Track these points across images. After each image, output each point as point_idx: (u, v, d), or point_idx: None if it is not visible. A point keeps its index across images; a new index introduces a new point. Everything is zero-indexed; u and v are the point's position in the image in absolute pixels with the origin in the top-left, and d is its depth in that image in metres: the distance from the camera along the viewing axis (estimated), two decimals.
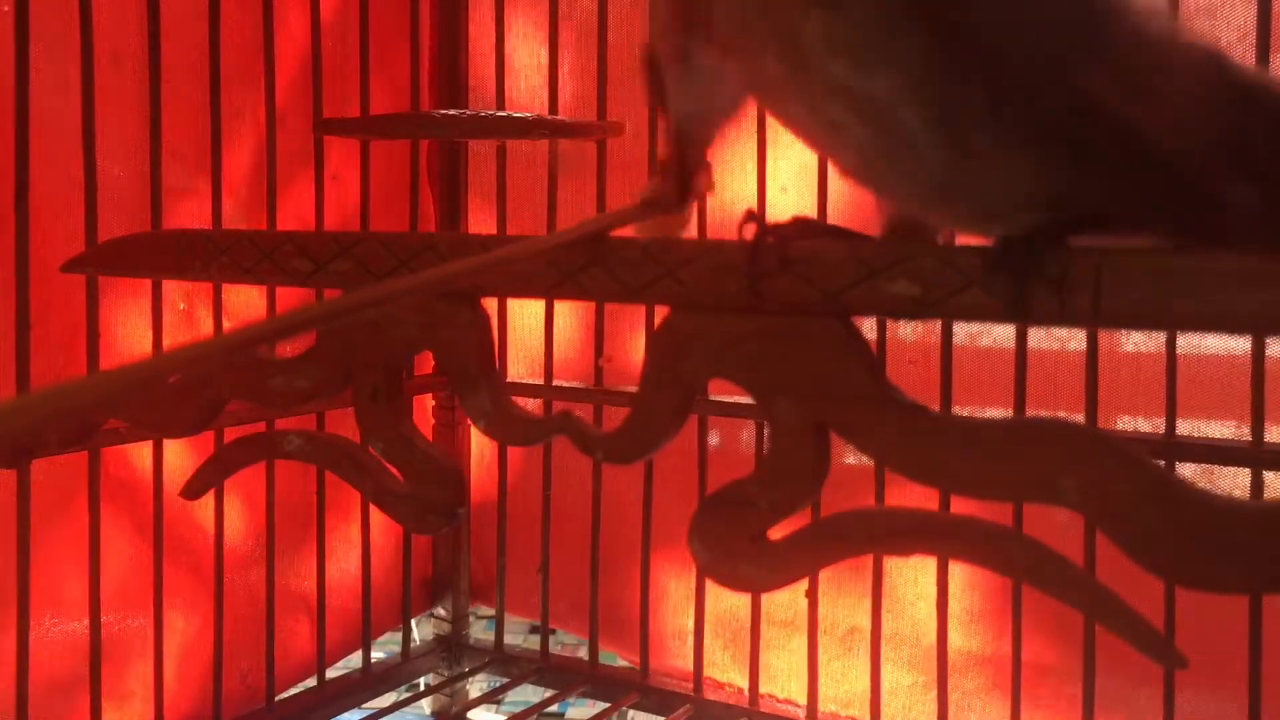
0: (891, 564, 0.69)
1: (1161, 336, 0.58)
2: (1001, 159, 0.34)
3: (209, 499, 0.62)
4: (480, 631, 0.87)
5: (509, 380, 0.77)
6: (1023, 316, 0.33)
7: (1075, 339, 0.65)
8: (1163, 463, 0.55)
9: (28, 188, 0.54)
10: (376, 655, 0.77)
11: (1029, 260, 0.32)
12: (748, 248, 0.36)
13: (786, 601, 0.76)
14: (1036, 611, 0.60)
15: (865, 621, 0.67)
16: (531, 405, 0.73)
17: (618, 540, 0.76)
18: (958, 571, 0.68)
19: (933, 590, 0.62)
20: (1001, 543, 0.34)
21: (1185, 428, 0.57)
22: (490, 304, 0.46)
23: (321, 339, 0.44)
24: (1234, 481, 0.60)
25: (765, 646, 0.73)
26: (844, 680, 0.75)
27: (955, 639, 0.71)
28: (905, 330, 0.72)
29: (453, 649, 0.83)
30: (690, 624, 0.72)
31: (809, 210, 0.65)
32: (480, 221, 0.83)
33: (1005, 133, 0.33)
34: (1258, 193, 0.36)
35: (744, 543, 0.37)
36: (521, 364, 0.83)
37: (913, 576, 0.72)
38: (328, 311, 0.32)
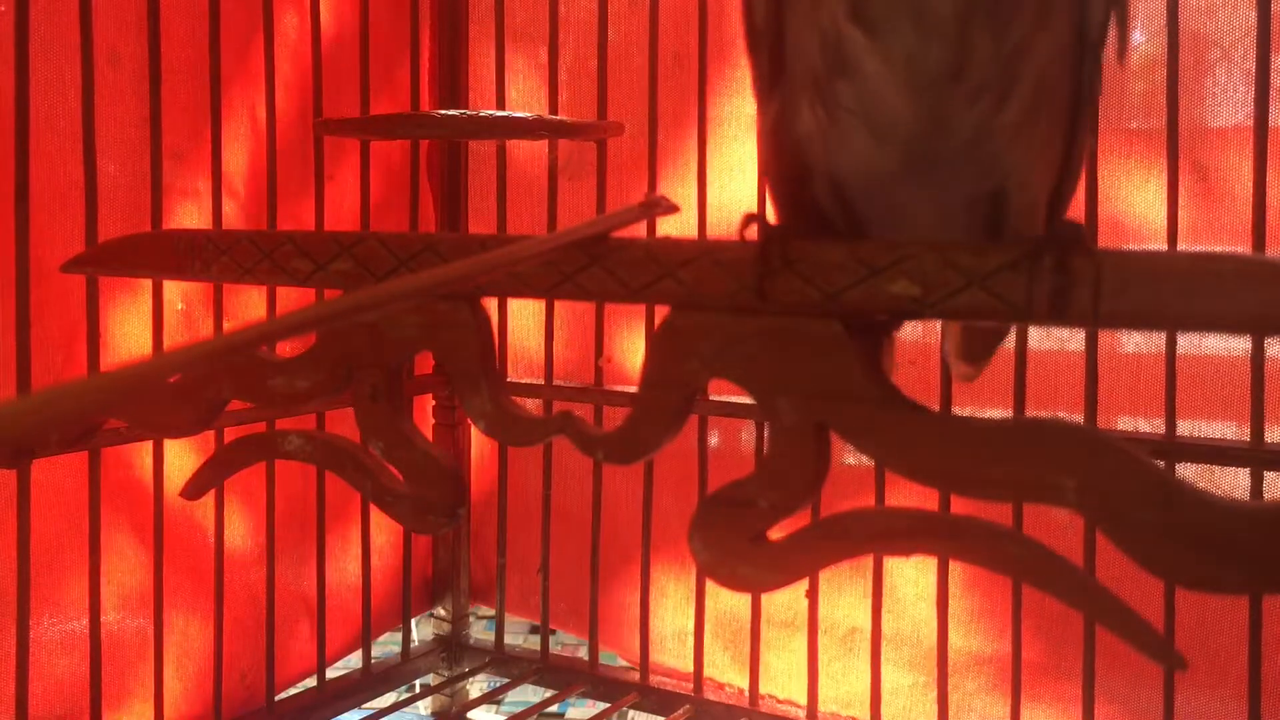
0: (892, 564, 0.69)
1: (1161, 336, 0.58)
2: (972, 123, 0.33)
3: (209, 499, 0.62)
4: (480, 631, 0.87)
5: (509, 380, 0.77)
6: (1028, 319, 0.32)
7: (1075, 339, 0.65)
8: (1163, 463, 0.55)
9: (28, 188, 0.54)
10: (376, 655, 0.77)
11: (1059, 267, 0.32)
12: (755, 248, 0.36)
13: (787, 602, 0.76)
14: (1037, 611, 0.60)
15: (866, 622, 0.67)
16: (531, 405, 0.73)
17: (618, 540, 0.76)
18: (958, 571, 0.68)
19: (933, 590, 0.62)
20: (1001, 543, 0.34)
21: (1185, 428, 0.57)
22: (490, 304, 0.46)
23: (321, 339, 0.44)
24: (1234, 481, 0.60)
25: (765, 647, 0.73)
26: (844, 681, 0.75)
27: (955, 639, 0.71)
28: (905, 330, 0.72)
29: (453, 649, 0.83)
30: (690, 624, 0.72)
31: None
32: (480, 221, 0.83)
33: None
34: None
35: (744, 543, 0.37)
36: (521, 364, 0.83)
37: (913, 577, 0.72)
38: (328, 312, 0.32)
